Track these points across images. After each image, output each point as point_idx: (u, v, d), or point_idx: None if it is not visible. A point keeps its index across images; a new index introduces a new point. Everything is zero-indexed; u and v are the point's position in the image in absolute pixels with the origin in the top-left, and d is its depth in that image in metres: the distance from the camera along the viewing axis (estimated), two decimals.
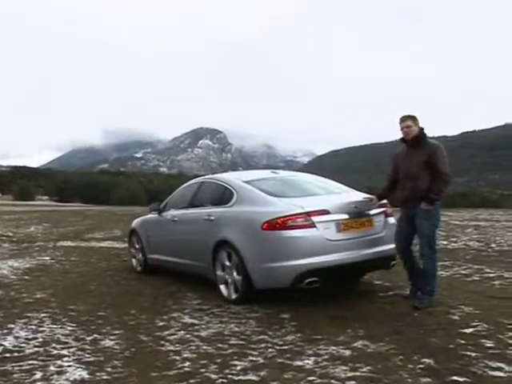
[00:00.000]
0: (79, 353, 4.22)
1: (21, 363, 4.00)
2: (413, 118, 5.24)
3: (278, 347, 4.17)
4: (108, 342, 4.47)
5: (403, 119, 5.25)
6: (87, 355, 4.15)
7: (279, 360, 3.88)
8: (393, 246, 5.49)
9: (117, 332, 4.77)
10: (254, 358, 3.94)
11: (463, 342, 4.07)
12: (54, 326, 5.02)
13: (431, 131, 5.18)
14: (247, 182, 6.12)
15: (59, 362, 4.00)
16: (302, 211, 5.24)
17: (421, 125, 5.25)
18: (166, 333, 4.70)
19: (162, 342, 4.43)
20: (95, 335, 4.68)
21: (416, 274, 5.43)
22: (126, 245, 9.14)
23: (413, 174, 5.17)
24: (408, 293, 5.57)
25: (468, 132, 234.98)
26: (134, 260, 8.20)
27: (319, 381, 3.46)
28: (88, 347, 4.36)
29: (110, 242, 12.54)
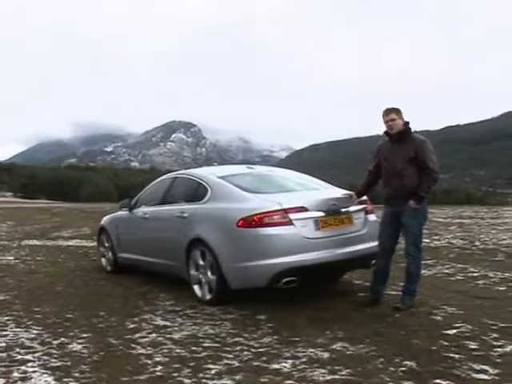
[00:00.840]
0: (45, 358, 4.07)
1: None
2: (397, 111, 5.11)
3: (254, 350, 4.09)
4: (76, 346, 4.33)
5: (387, 112, 5.12)
6: (53, 360, 4.01)
7: (255, 363, 3.80)
8: (373, 244, 5.37)
9: (85, 335, 4.63)
10: (229, 362, 3.85)
11: (446, 343, 4.03)
12: (18, 330, 4.85)
13: (413, 125, 5.09)
14: (222, 178, 5.99)
15: (23, 368, 3.86)
16: (279, 208, 5.13)
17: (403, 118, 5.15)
18: (137, 335, 4.57)
19: (133, 346, 4.30)
20: (62, 339, 4.53)
21: (386, 276, 5.33)
22: (95, 243, 8.99)
23: (398, 170, 5.05)
24: (369, 294, 5.40)
25: (451, 126, 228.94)
26: (103, 259, 8.02)
27: None
28: (54, 351, 4.21)
29: (79, 240, 12.33)
